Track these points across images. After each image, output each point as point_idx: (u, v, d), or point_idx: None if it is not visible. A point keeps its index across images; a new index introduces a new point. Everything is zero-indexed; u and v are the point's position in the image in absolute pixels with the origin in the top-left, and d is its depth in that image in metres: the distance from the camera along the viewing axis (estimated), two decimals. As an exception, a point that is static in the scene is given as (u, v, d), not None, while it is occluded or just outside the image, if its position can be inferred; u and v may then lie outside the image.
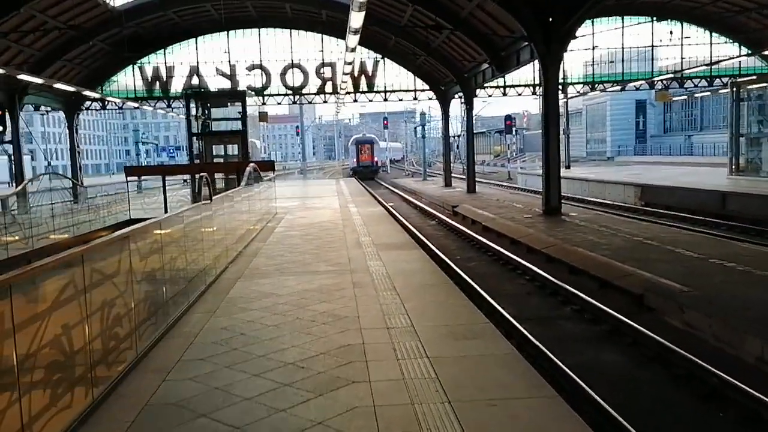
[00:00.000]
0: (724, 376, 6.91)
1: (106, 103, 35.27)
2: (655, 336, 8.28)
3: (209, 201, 9.48)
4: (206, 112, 26.68)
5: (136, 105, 36.14)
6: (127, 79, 34.23)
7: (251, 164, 16.57)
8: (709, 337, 8.41)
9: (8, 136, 29.00)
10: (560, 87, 27.84)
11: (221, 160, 26.48)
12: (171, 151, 73.54)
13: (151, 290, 6.61)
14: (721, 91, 39.93)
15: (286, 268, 10.51)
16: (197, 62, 34.05)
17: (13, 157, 29.75)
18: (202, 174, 9.47)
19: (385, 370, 5.49)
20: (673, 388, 7.21)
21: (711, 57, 33.11)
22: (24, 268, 3.82)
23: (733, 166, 27.72)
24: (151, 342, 6.24)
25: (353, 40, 17.36)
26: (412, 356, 5.79)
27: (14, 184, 30.07)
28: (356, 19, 14.50)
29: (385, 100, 36.59)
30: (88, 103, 35.16)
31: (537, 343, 8.31)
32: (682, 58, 34.27)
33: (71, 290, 4.60)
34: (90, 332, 4.81)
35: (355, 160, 62.13)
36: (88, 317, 4.76)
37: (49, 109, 36.22)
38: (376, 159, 62.09)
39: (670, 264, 11.63)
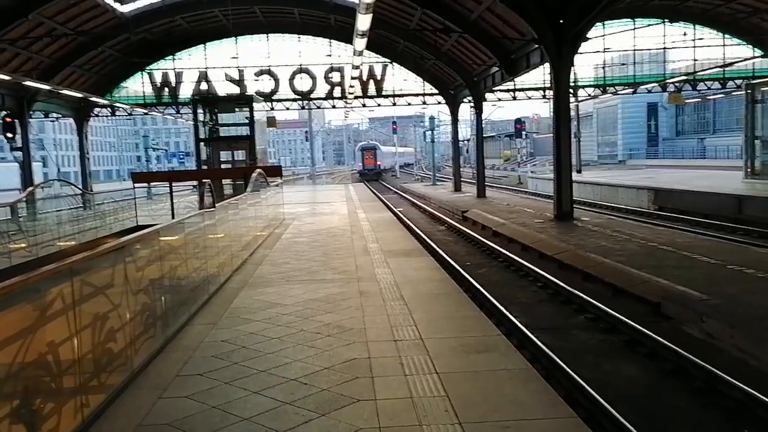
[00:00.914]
0: (750, 390, 6.57)
1: (116, 109, 35.22)
2: (675, 347, 7.96)
3: (212, 208, 9.23)
4: (213, 117, 26.51)
5: (144, 111, 36.10)
6: (137, 85, 34.24)
7: (258, 170, 16.32)
8: (730, 347, 8.07)
9: (18, 143, 28.95)
10: (571, 90, 27.53)
11: (229, 166, 26.28)
12: (181, 156, 73.46)
13: (149, 302, 6.35)
14: (734, 93, 39.43)
15: (291, 276, 10.25)
16: (206, 68, 33.98)
17: (23, 163, 29.65)
18: (204, 181, 9.21)
19: (391, 387, 5.21)
20: (695, 403, 6.87)
21: (724, 59, 32.66)
22: (4, 283, 3.56)
23: (748, 170, 27.22)
24: (148, 356, 5.98)
25: (361, 43, 17.13)
26: (421, 372, 5.51)
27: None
28: (363, 21, 14.26)
29: (394, 104, 36.39)
30: (97, 109, 35.16)
31: (552, 355, 7.99)
32: (694, 60, 33.84)
33: (59, 305, 4.34)
34: (80, 349, 4.56)
35: (361, 164, 71.68)
36: (78, 333, 4.51)
37: (58, 115, 36.19)
38: (378, 163, 70.98)
39: (686, 270, 11.30)
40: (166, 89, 33.95)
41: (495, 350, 6.09)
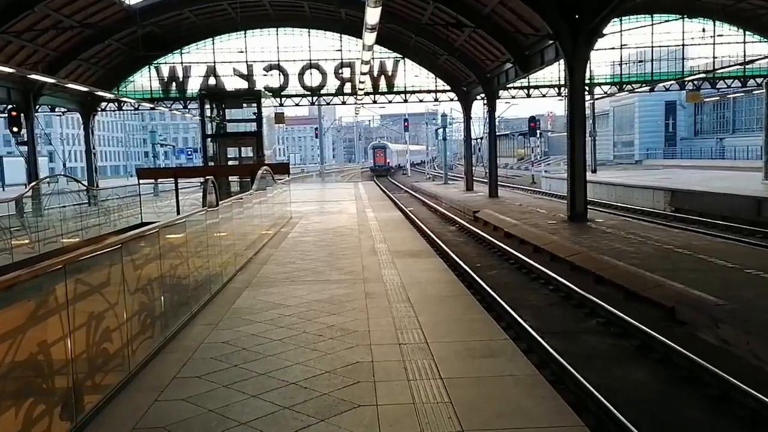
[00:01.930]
0: (766, 399, 6.47)
1: (122, 103, 35.35)
2: (688, 353, 7.86)
3: (215, 207, 9.22)
4: (221, 112, 26.55)
5: (151, 106, 36.22)
6: (144, 79, 34.31)
7: (264, 167, 16.33)
8: (746, 354, 7.97)
9: (25, 137, 29.13)
10: (586, 87, 27.35)
11: (236, 163, 26.34)
12: (189, 153, 73.83)
13: (147, 301, 6.35)
14: (755, 92, 39.09)
15: (296, 276, 10.25)
16: (214, 62, 34.03)
17: (28, 158, 29.84)
18: (207, 178, 9.20)
19: (394, 392, 5.17)
20: (708, 411, 6.79)
21: (744, 56, 32.34)
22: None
23: (769, 171, 26.98)
24: (146, 357, 5.97)
25: (370, 37, 17.07)
26: (424, 376, 5.47)
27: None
28: (372, 15, 14.20)
29: (406, 101, 36.31)
30: (103, 103, 35.29)
31: (561, 360, 7.92)
32: (714, 58, 33.51)
33: (53, 304, 4.32)
34: (74, 349, 4.54)
35: (372, 161, 79.46)
36: (73, 333, 4.49)
37: (64, 110, 36.39)
38: (388, 160, 78.80)
39: (702, 274, 11.19)
40: (174, 84, 34.04)
41: (501, 355, 6.04)
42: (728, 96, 52.98)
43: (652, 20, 32.37)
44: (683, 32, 33.10)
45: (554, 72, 33.22)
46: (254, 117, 25.80)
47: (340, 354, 6.12)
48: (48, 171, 57.82)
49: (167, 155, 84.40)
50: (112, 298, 5.40)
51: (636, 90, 37.26)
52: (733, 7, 30.36)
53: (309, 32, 34.20)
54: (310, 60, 34.27)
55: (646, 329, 8.89)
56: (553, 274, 12.90)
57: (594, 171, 43.31)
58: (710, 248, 13.85)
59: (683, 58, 35.10)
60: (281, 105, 35.14)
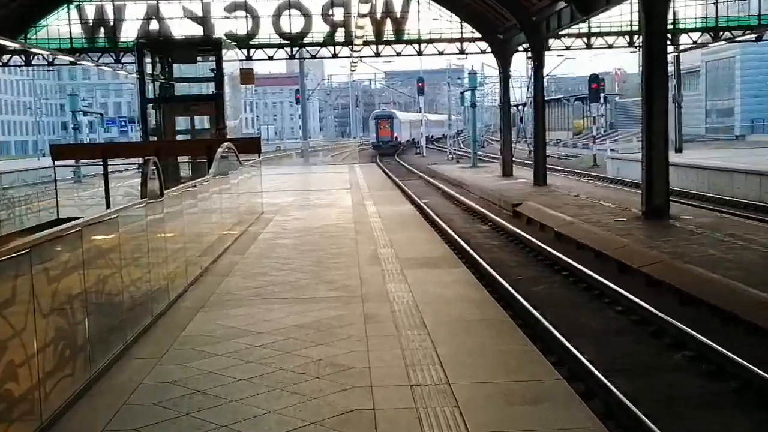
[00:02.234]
0: None
1: (31, 56, 35.41)
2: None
3: (159, 198, 9.26)
4: (167, 69, 26.62)
5: (71, 59, 36.28)
6: (61, 23, 34.42)
7: (226, 143, 16.40)
8: None
9: None
10: (669, 35, 27.31)
11: (188, 137, 26.42)
12: (123, 123, 74.17)
13: (66, 327, 6.36)
14: None
15: (270, 292, 10.36)
16: (157, 0, 34.05)
17: None
18: (148, 158, 9.24)
19: (403, 451, 5.21)
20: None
21: None
22: None
23: None
24: (65, 403, 6.00)
25: (372, -33, 17.09)
26: (445, 430, 5.50)
27: None
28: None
29: (420, 53, 36.32)
30: (5, 56, 35.37)
31: (633, 408, 7.93)
32: None
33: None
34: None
35: (374, 135, 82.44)
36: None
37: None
38: (395, 134, 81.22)
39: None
40: (102, 29, 34.12)
41: (551, 400, 6.09)
42: None
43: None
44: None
45: (624, 14, 33.27)
46: (212, 75, 25.87)
47: (329, 399, 6.16)
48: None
49: (93, 127, 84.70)
50: (17, 321, 5.41)
51: (737, 39, 37.20)
52: None
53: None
54: (288, -3, 34.30)
55: (750, 366, 8.89)
56: (623, 291, 12.94)
57: (679, 150, 43.33)
58: (838, 256, 13.90)
59: (802, -5, 35.02)
60: (249, 59, 35.25)
